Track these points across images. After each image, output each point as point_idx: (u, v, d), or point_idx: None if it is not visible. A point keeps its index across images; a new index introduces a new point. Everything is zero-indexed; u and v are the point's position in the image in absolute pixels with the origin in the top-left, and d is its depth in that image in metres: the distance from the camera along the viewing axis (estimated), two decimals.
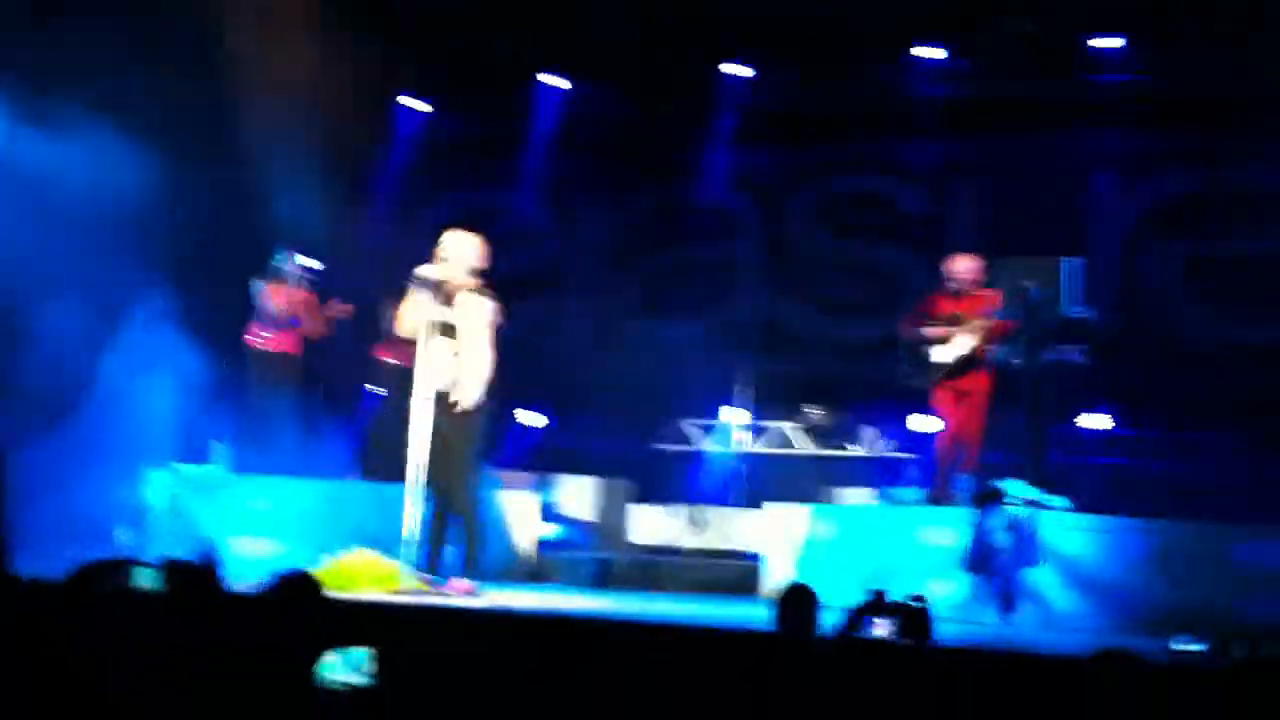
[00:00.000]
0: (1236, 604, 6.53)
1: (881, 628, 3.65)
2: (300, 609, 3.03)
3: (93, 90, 9.40)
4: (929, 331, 8.49)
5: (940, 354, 8.49)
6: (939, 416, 8.68)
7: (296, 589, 3.35)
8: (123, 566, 3.32)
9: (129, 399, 8.95)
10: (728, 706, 4.11)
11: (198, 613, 2.79)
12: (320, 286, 9.92)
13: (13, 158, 9.55)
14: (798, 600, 4.96)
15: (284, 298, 9.63)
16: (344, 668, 2.64)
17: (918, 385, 8.56)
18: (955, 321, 8.48)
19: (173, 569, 3.05)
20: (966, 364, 8.42)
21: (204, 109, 10.09)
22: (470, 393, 7.02)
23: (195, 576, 2.87)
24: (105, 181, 9.48)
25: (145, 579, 3.08)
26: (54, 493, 8.56)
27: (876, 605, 3.82)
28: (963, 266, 8.66)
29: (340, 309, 9.72)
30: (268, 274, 9.65)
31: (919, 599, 3.74)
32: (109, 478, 8.67)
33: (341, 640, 3.62)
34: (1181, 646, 5.20)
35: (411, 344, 7.22)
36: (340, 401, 10.00)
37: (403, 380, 9.51)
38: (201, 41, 9.98)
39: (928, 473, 8.93)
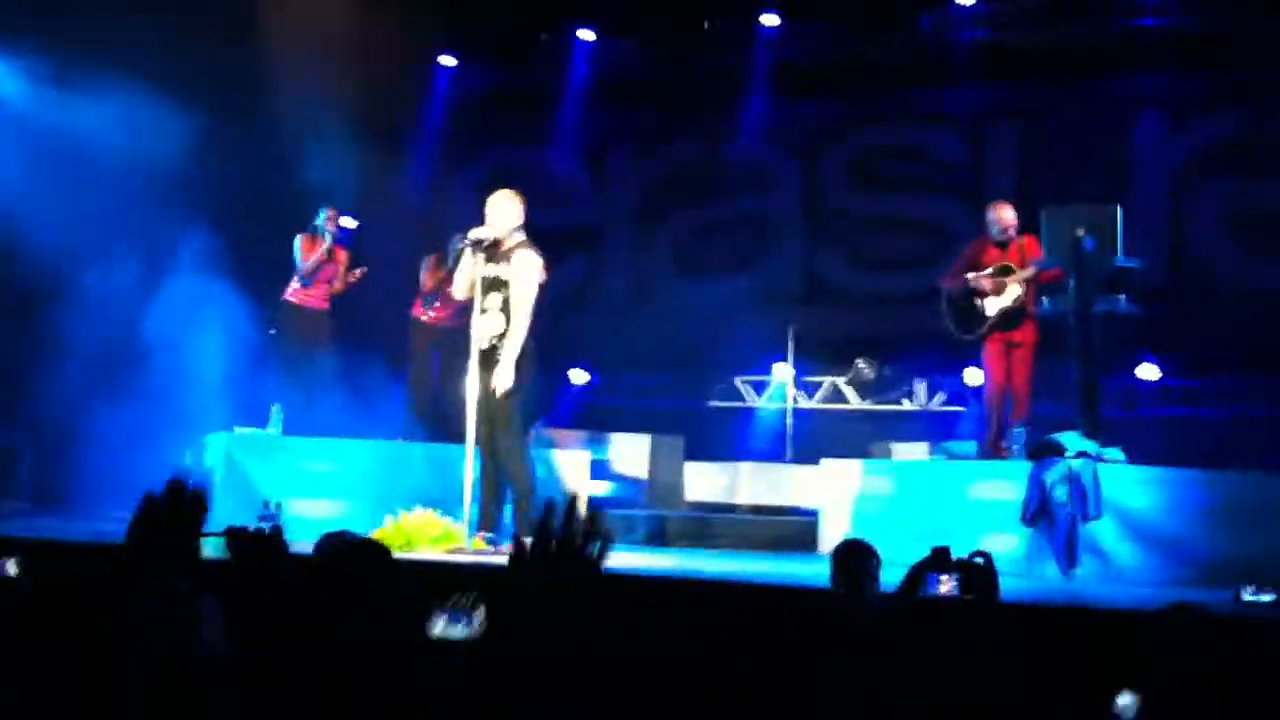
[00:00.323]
0: None
1: (946, 584, 3.61)
2: (367, 574, 3.06)
3: (132, 51, 9.42)
4: (979, 282, 8.39)
5: (990, 305, 8.39)
6: (986, 369, 8.60)
7: (363, 555, 3.39)
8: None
9: (185, 361, 9.03)
10: (786, 664, 4.12)
11: (263, 580, 2.80)
12: (352, 245, 9.97)
13: (55, 121, 9.61)
14: (854, 555, 4.97)
15: (317, 254, 9.68)
16: (453, 622, 2.67)
17: (965, 338, 8.48)
18: (1004, 271, 8.39)
19: (236, 537, 3.06)
20: (1016, 315, 8.33)
21: (241, 68, 10.10)
22: (509, 352, 7.07)
23: (260, 544, 2.88)
24: (144, 143, 9.54)
25: (210, 547, 3.10)
26: (114, 454, 8.67)
27: (939, 561, 3.79)
28: (1007, 214, 8.53)
29: (354, 275, 9.75)
30: (306, 230, 9.71)
31: (983, 555, 3.71)
32: (167, 440, 8.76)
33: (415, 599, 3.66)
34: (1251, 597, 5.17)
35: (450, 304, 7.27)
36: (384, 361, 10.04)
37: (437, 340, 9.63)
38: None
39: (980, 426, 8.87)
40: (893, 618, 3.71)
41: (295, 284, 9.60)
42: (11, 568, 3.80)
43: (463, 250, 7.30)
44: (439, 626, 2.72)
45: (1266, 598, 4.65)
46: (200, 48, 9.70)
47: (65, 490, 9.36)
